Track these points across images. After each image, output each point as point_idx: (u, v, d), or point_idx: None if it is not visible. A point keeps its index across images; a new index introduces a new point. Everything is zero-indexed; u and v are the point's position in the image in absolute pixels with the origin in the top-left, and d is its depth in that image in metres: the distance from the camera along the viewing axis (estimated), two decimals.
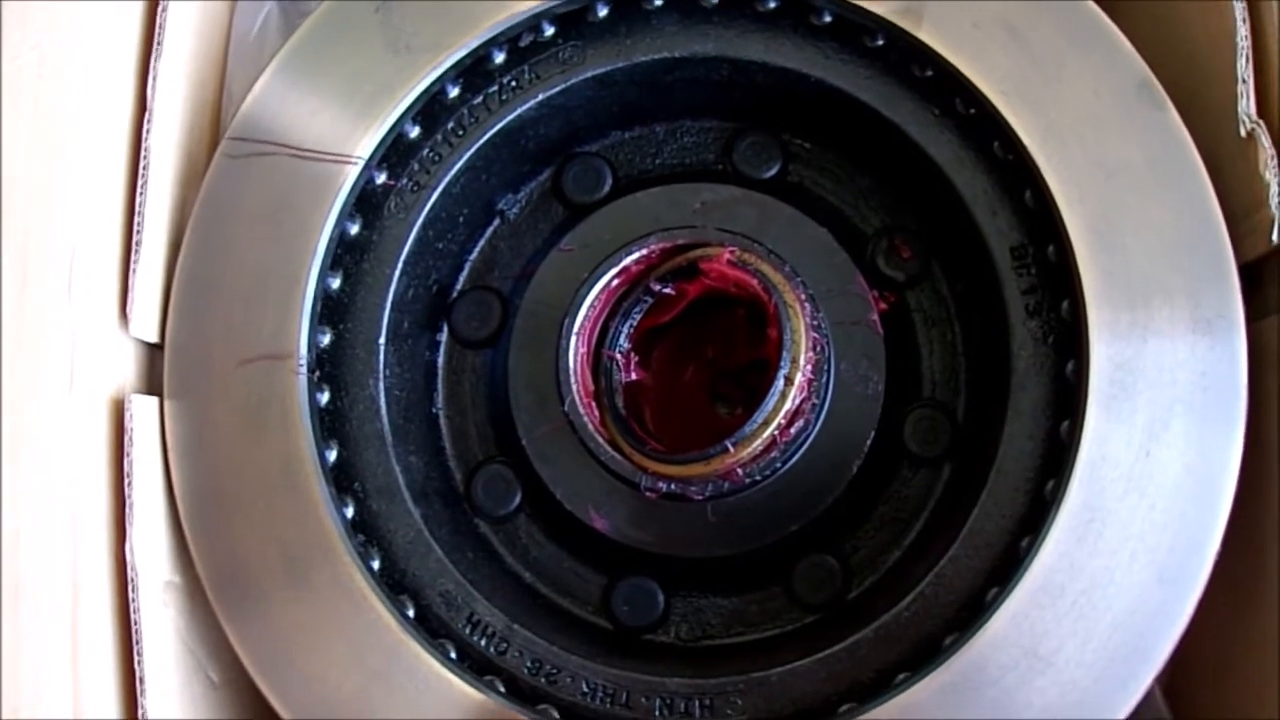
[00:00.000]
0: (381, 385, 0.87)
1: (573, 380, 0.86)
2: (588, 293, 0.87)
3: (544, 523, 0.91)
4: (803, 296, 0.84)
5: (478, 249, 0.94)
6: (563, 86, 0.89)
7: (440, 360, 0.93)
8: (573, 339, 0.86)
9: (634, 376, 0.89)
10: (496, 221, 0.94)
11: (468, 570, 0.86)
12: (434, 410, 0.92)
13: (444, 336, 0.93)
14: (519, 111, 0.89)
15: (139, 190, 0.85)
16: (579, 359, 0.87)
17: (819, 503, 0.87)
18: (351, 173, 0.86)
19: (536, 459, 0.88)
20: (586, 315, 0.87)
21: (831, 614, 0.89)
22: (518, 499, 0.91)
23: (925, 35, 0.85)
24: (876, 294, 0.89)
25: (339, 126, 0.86)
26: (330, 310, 0.87)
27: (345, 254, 0.87)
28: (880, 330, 0.88)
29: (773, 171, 0.93)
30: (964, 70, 0.84)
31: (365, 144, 0.86)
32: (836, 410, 0.87)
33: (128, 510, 0.82)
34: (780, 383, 0.82)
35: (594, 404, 0.87)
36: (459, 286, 0.94)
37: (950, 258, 0.91)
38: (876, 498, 0.90)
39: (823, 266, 0.88)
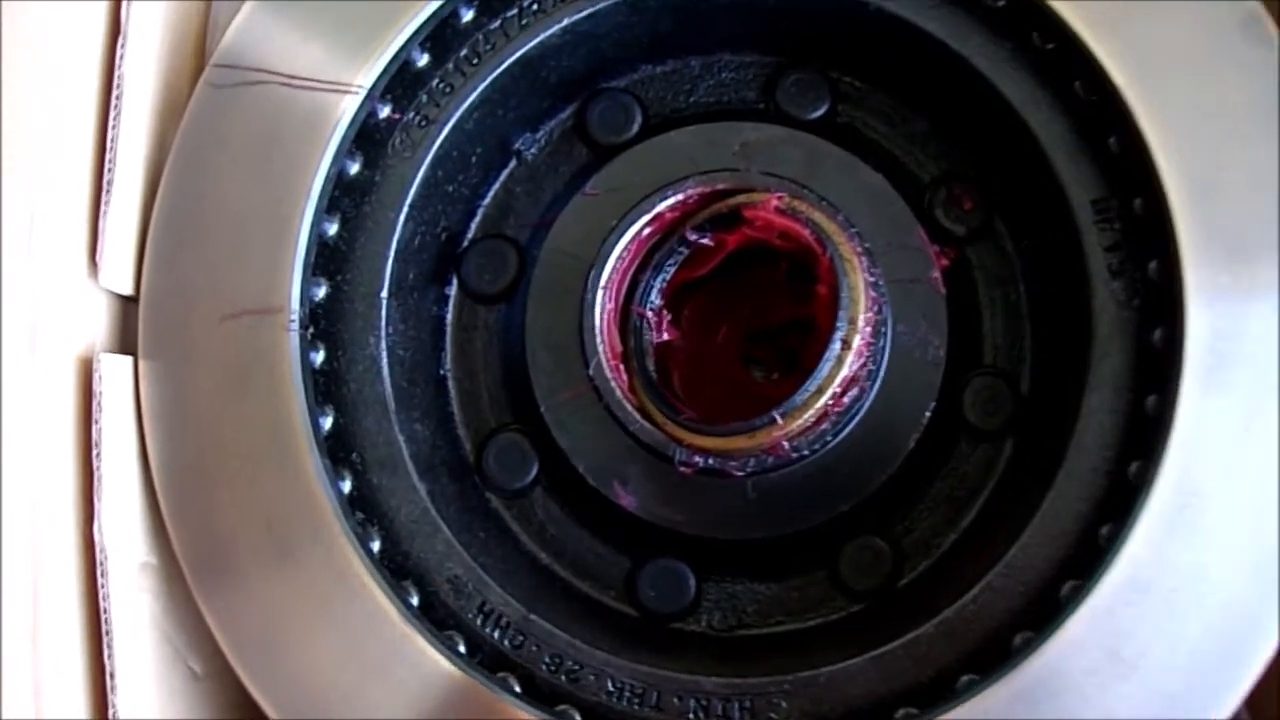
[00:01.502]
0: (383, 344, 0.74)
1: (598, 340, 0.73)
2: (616, 242, 0.74)
3: (563, 498, 0.78)
4: (859, 250, 0.72)
5: (491, 193, 0.81)
6: (590, 10, 0.75)
7: (449, 316, 0.80)
8: (599, 293, 0.74)
9: (665, 336, 0.76)
10: (513, 163, 0.81)
11: (479, 553, 0.73)
12: (441, 372, 0.79)
13: (453, 290, 0.80)
14: (541, 38, 0.75)
15: (111, 123, 0.72)
16: (606, 316, 0.74)
17: (871, 480, 0.74)
18: (351, 104, 0.73)
19: (556, 427, 0.75)
20: (615, 267, 0.74)
21: (880, 603, 0.76)
22: (534, 471, 0.78)
23: None
24: (937, 249, 0.76)
25: (337, 52, 0.73)
26: (326, 259, 0.74)
27: (343, 196, 0.74)
28: (942, 289, 0.75)
29: (820, 111, 0.79)
30: None
31: (367, 72, 0.73)
32: (892, 378, 0.74)
33: (96, 484, 0.69)
34: (836, 346, 0.69)
35: (622, 366, 0.74)
36: (470, 235, 0.80)
37: (1016, 210, 0.78)
38: (931, 475, 0.77)
39: (878, 217, 0.76)
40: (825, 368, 0.69)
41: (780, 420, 0.69)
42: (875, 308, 0.71)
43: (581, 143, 0.81)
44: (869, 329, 0.70)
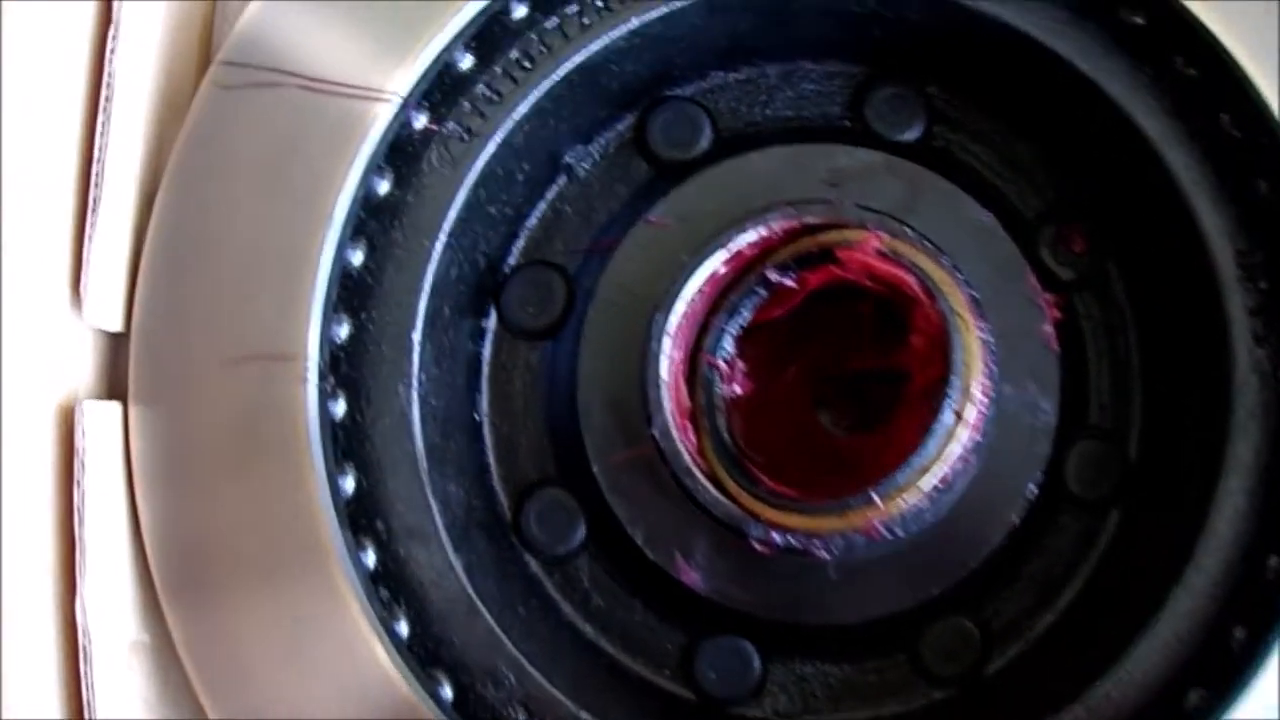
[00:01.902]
0: (414, 393, 0.63)
1: (664, 395, 0.63)
2: (687, 282, 0.63)
3: (613, 564, 0.68)
4: (972, 304, 0.62)
5: (537, 213, 0.69)
6: (665, 10, 0.64)
7: (485, 353, 0.69)
8: (665, 341, 0.63)
9: (738, 389, 0.66)
10: (562, 179, 0.70)
11: (521, 637, 0.63)
12: (476, 417, 0.69)
13: (491, 323, 0.69)
14: (606, 41, 0.64)
15: (99, 129, 0.61)
16: (673, 367, 0.64)
17: (967, 561, 0.65)
18: (383, 113, 0.61)
19: (611, 492, 0.65)
20: (684, 311, 0.64)
21: (965, 691, 0.67)
22: (580, 534, 0.68)
23: None
24: (1048, 297, 0.67)
25: (368, 51, 0.62)
26: (349, 293, 0.63)
27: (371, 219, 0.63)
28: (1055, 345, 0.66)
29: (915, 133, 0.69)
30: (1199, 14, 0.61)
31: (402, 75, 0.62)
32: (996, 446, 0.64)
33: (79, 555, 0.58)
34: (947, 418, 0.59)
35: (690, 425, 0.64)
36: (511, 260, 0.69)
37: (1134, 254, 0.68)
38: (1026, 549, 0.68)
39: (985, 259, 0.65)
40: (933, 443, 0.59)
41: (880, 502, 0.59)
42: (989, 372, 0.61)
43: (641, 158, 0.70)
44: (984, 398, 0.60)
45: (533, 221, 0.70)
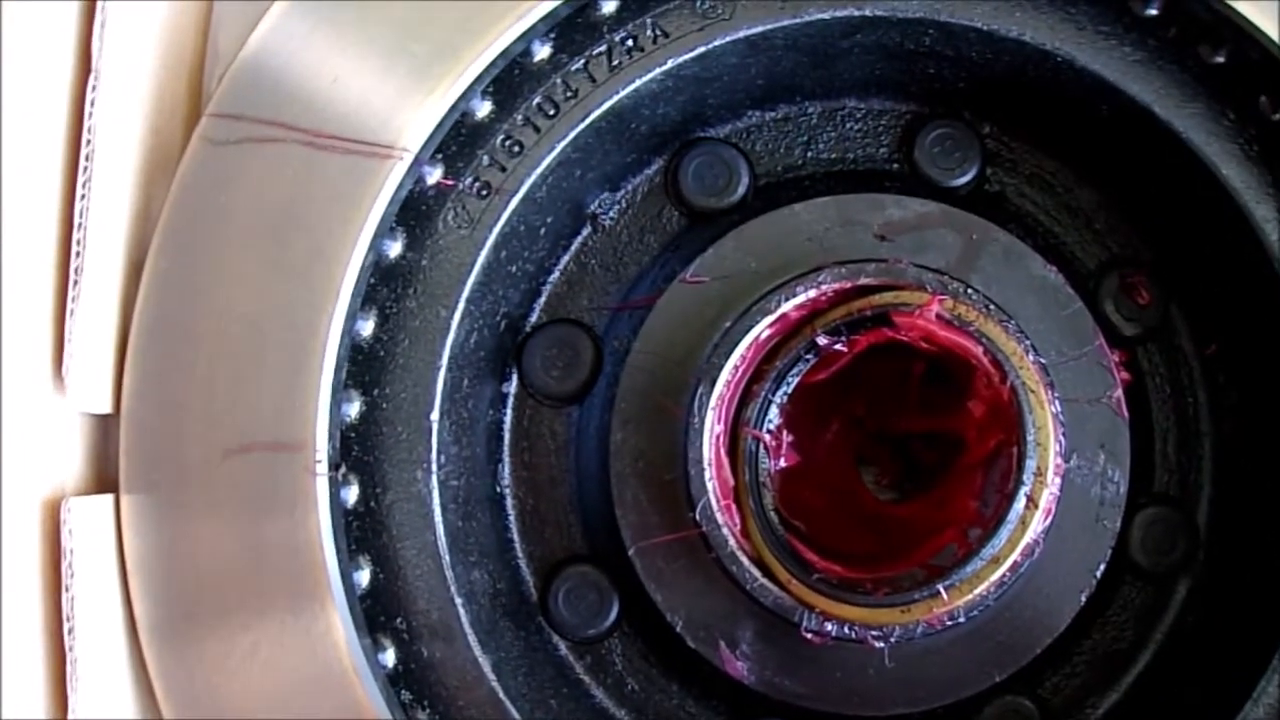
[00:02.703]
0: (434, 478, 0.56)
1: (707, 475, 0.56)
2: (732, 351, 0.57)
3: (648, 645, 0.62)
4: (1043, 375, 0.55)
5: (560, 267, 0.63)
6: (702, 50, 0.57)
7: (507, 420, 0.62)
8: (708, 415, 0.57)
9: (784, 463, 0.60)
10: (586, 229, 0.63)
11: None
12: (499, 489, 0.62)
13: (513, 387, 0.62)
14: (637, 84, 0.57)
15: (80, 188, 0.54)
16: (714, 443, 0.57)
17: (1031, 646, 0.59)
18: (394, 170, 0.55)
19: (649, 576, 0.58)
20: (727, 381, 0.57)
21: None
22: (613, 615, 0.61)
23: None
24: (1117, 359, 0.60)
25: (376, 101, 0.55)
26: (360, 369, 0.56)
27: (382, 286, 0.56)
28: (1125, 412, 0.59)
29: (968, 177, 0.62)
30: None
31: (415, 128, 0.55)
32: (1063, 523, 0.58)
33: (69, 667, 0.52)
34: (1020, 505, 0.53)
35: (734, 506, 0.58)
36: (533, 318, 0.63)
37: (1204, 307, 0.62)
38: (1087, 624, 0.62)
39: (1051, 319, 0.59)
40: (1005, 532, 0.53)
41: (945, 595, 0.53)
42: (1062, 449, 0.55)
43: (673, 205, 0.63)
44: (1059, 478, 0.54)
45: (555, 276, 0.63)
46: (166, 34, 0.58)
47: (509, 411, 0.63)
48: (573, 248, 0.63)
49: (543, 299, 0.63)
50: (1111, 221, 0.63)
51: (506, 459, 0.63)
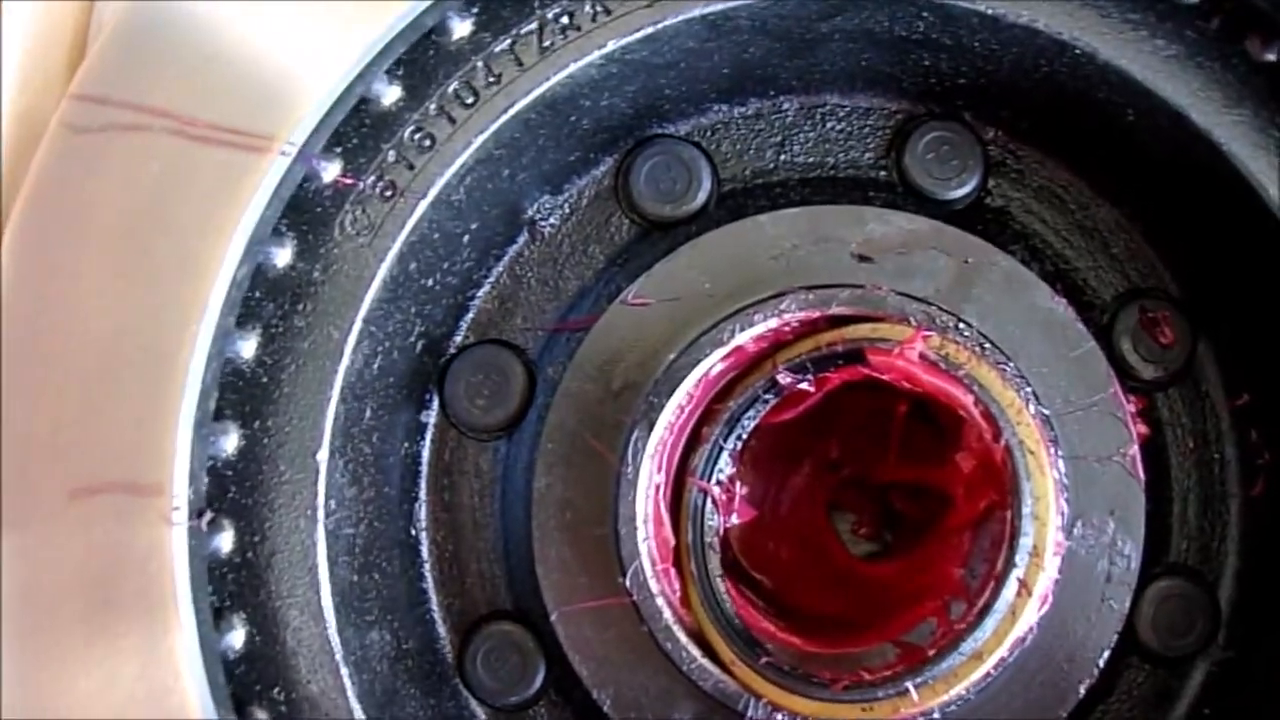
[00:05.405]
0: (320, 527, 0.45)
1: (640, 535, 0.45)
2: (675, 389, 0.45)
3: (579, 717, 0.51)
4: (1045, 430, 0.44)
5: (490, 281, 0.51)
6: (649, 31, 0.45)
7: (424, 453, 0.51)
8: (644, 464, 0.46)
9: (736, 519, 0.49)
10: (523, 237, 0.51)
11: None
12: (413, 533, 0.51)
13: (433, 417, 0.52)
14: (572, 69, 0.46)
15: None
16: (653, 497, 0.46)
17: None
18: (277, 165, 0.44)
19: (574, 646, 0.47)
20: (669, 423, 0.46)
21: None
22: (539, 680, 0.51)
23: None
24: (1132, 409, 0.49)
25: (258, 85, 0.43)
26: (241, 399, 0.45)
27: (266, 301, 0.45)
28: (1141, 472, 0.48)
29: (966, 189, 0.50)
30: None
31: (304, 116, 0.44)
32: (1062, 601, 0.47)
33: None
34: (1009, 592, 0.42)
35: (674, 571, 0.47)
36: (458, 339, 0.52)
37: (1236, 347, 0.50)
38: (1085, 717, 0.51)
39: (1058, 361, 0.47)
40: (991, 623, 0.41)
41: (915, 694, 0.42)
42: (1063, 522, 0.43)
43: (623, 212, 0.51)
44: (1058, 558, 0.42)
45: (485, 290, 0.51)
46: (43, 9, 0.48)
47: (427, 444, 0.51)
48: (506, 258, 0.52)
49: (469, 316, 0.51)
50: (1132, 246, 0.51)
51: (424, 498, 0.51)
